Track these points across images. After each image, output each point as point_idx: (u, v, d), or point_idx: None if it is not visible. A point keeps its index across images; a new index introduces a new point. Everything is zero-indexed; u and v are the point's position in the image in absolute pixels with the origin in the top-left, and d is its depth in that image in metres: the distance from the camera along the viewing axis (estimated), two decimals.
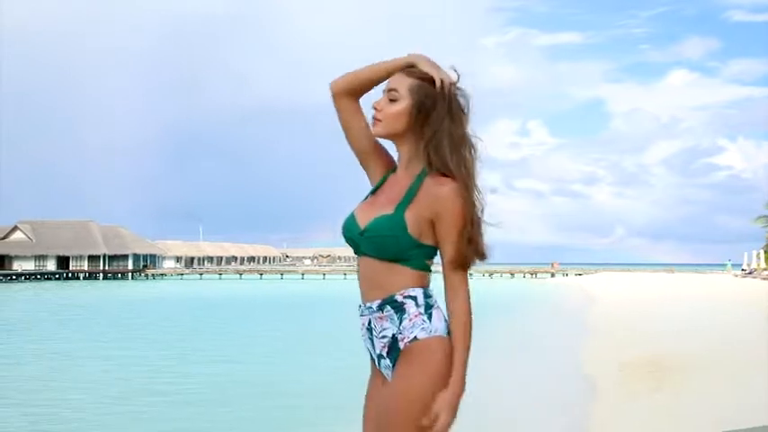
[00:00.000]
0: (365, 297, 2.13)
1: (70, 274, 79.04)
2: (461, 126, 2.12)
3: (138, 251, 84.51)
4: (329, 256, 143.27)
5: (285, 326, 23.40)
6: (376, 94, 2.18)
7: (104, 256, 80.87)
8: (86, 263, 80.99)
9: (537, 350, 15.97)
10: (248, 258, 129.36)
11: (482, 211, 2.12)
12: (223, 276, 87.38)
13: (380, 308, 2.07)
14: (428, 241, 2.07)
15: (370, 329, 2.11)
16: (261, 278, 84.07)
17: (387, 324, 2.06)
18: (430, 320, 2.03)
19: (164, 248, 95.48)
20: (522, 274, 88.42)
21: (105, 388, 11.61)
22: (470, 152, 2.12)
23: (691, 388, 8.93)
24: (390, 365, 2.07)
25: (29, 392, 11.39)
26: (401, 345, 2.04)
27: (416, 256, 2.07)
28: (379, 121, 2.13)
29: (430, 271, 2.11)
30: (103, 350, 16.81)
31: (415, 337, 2.02)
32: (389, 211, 2.07)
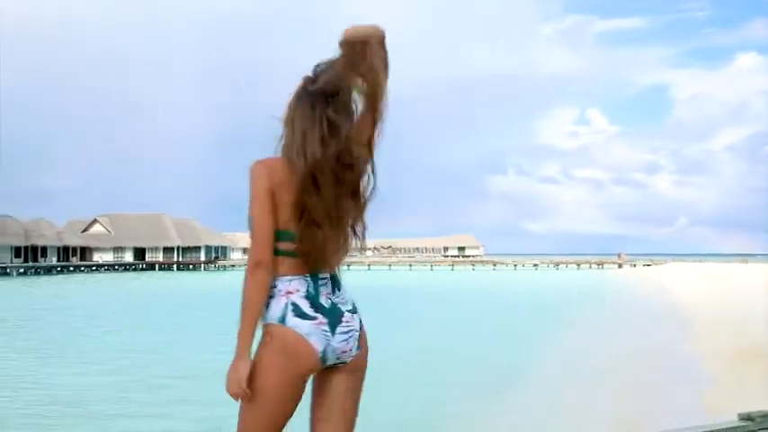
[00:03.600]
0: None
1: (146, 265, 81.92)
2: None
3: (209, 243, 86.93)
4: (390, 247, 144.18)
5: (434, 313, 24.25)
6: None
7: (178, 248, 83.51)
8: (161, 254, 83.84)
9: (660, 343, 16.43)
10: None
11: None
12: None
13: None
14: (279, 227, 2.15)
15: None
16: None
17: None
18: (267, 308, 2.14)
19: (232, 240, 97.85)
20: (589, 265, 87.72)
21: None
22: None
23: None
24: None
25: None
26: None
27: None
28: None
29: (283, 255, 2.14)
30: None
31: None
32: None
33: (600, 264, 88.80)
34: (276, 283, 2.14)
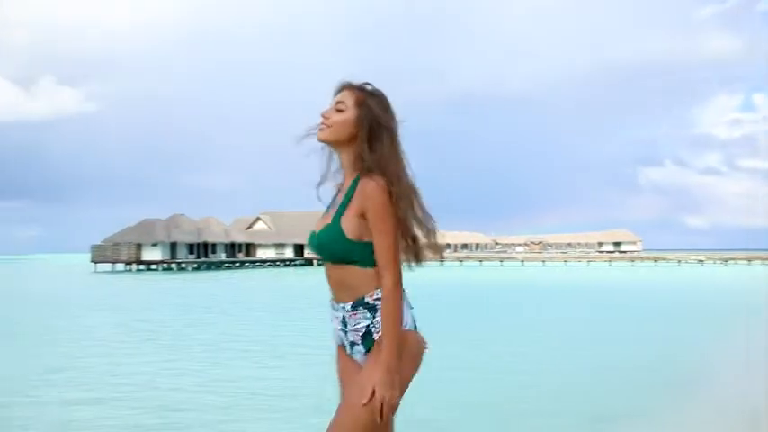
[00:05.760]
0: (336, 297, 2.40)
1: (305, 261, 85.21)
2: (396, 137, 2.36)
3: None
4: (541, 242, 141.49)
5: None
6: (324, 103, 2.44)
7: None
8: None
9: None
10: (461, 245, 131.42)
11: (416, 210, 2.33)
12: (444, 264, 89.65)
13: (354, 308, 2.33)
14: (370, 239, 2.28)
15: (344, 323, 2.38)
16: (481, 264, 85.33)
17: (360, 319, 2.33)
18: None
19: None
20: (760, 262, 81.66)
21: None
22: (400, 161, 2.34)
23: None
24: (363, 351, 2.34)
25: None
26: (375, 336, 2.30)
27: (362, 255, 2.28)
28: (328, 127, 2.37)
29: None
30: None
31: None
32: (329, 221, 2.33)
33: None
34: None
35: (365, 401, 2.18)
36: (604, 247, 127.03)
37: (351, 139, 2.34)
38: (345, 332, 2.38)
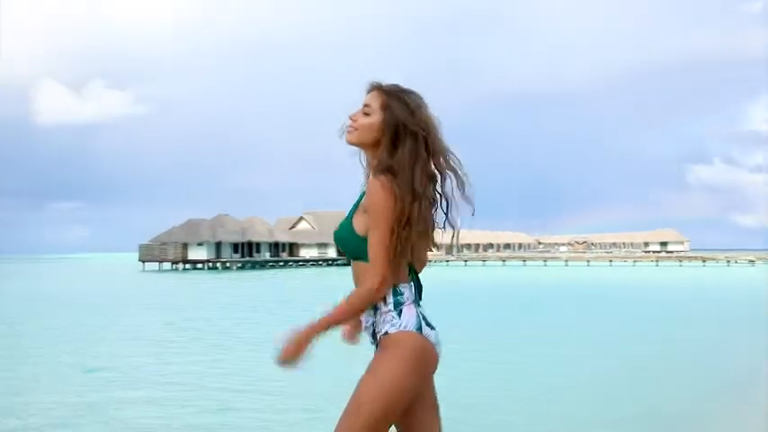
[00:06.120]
0: None
1: (348, 261, 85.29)
2: (418, 141, 2.32)
3: None
4: (585, 242, 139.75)
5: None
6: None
7: None
8: None
9: None
10: (504, 245, 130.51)
11: (425, 213, 2.29)
12: (486, 263, 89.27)
13: None
14: None
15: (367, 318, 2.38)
16: (524, 264, 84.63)
17: (368, 316, 2.34)
18: (399, 316, 2.26)
19: None
20: None
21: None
22: (419, 164, 2.30)
23: None
24: (375, 349, 2.35)
25: None
26: (378, 335, 2.31)
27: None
28: (355, 129, 2.38)
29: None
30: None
31: (386, 331, 2.26)
32: (345, 218, 2.38)
33: None
34: (401, 290, 2.29)
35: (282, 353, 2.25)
36: (650, 247, 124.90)
37: (375, 143, 2.37)
38: (365, 327, 2.40)
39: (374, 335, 2.32)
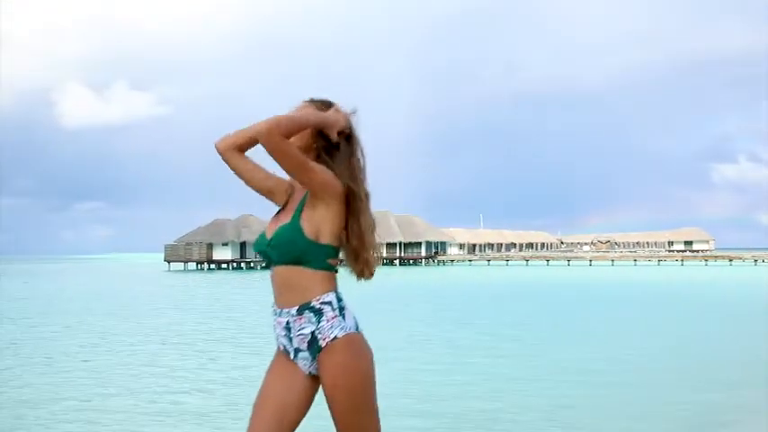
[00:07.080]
0: (280, 302, 2.43)
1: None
2: (354, 148, 2.48)
3: (429, 239, 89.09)
4: (608, 241, 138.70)
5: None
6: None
7: (400, 244, 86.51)
8: (384, 249, 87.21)
9: None
10: (526, 245, 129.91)
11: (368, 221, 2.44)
12: (510, 263, 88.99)
13: (299, 312, 2.38)
14: (326, 240, 2.38)
15: (288, 329, 2.41)
16: (548, 264, 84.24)
17: (305, 324, 2.37)
18: (344, 320, 2.37)
19: (450, 235, 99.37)
20: None
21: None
22: (359, 168, 2.46)
23: None
24: (309, 358, 2.39)
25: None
26: (321, 342, 2.35)
27: (316, 256, 2.36)
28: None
29: (335, 271, 2.42)
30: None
31: (335, 336, 2.34)
32: (287, 220, 2.40)
33: None
34: (341, 296, 2.41)
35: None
36: (675, 246, 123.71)
37: (307, 152, 2.47)
38: (290, 338, 2.42)
39: (312, 342, 2.37)
